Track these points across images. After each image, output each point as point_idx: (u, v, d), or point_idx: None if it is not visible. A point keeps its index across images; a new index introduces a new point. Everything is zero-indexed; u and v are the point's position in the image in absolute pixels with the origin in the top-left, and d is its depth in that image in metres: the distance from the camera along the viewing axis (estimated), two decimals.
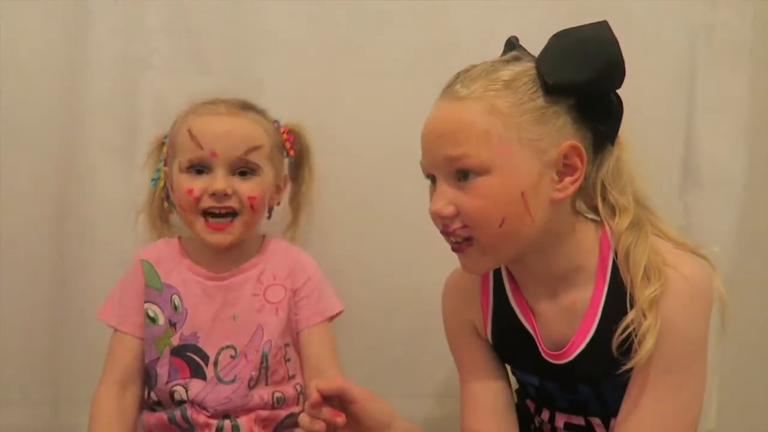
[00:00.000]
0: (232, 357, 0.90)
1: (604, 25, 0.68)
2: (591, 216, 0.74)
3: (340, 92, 1.03)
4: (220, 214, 0.88)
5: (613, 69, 0.67)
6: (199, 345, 0.89)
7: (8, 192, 1.02)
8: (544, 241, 0.70)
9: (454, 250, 0.72)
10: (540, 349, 0.74)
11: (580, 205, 0.73)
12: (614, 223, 0.70)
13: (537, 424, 0.82)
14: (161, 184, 0.95)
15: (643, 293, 0.66)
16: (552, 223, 0.69)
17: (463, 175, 0.67)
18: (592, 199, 0.72)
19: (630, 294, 0.67)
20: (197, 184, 0.88)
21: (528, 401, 0.82)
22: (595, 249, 0.71)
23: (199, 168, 0.89)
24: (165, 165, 0.95)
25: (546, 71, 0.67)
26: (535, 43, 1.02)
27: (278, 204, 0.99)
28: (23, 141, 1.01)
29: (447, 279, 0.84)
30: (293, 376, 0.94)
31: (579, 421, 0.75)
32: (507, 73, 0.68)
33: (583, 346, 0.70)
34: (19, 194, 1.02)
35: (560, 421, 0.77)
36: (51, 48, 1.01)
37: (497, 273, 0.78)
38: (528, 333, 0.75)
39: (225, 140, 0.88)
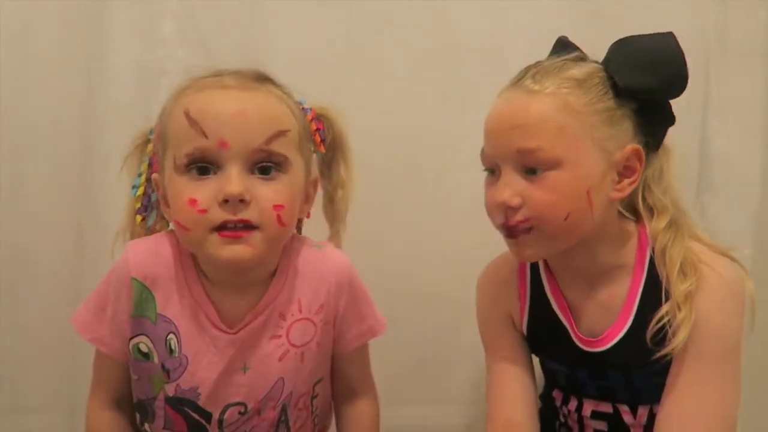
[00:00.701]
0: (241, 414, 0.70)
1: (671, 35, 0.70)
2: (627, 215, 0.75)
3: (354, 95, 0.98)
4: (235, 227, 0.63)
5: (679, 79, 0.69)
6: (200, 404, 0.69)
7: (29, 200, 1.00)
8: (592, 237, 0.71)
9: (507, 236, 0.71)
10: (574, 338, 0.74)
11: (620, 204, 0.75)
12: (653, 222, 0.71)
13: (563, 418, 0.81)
14: (141, 191, 0.74)
15: (678, 288, 0.67)
16: (604, 221, 0.71)
17: (534, 168, 0.67)
18: (631, 199, 0.73)
19: (666, 289, 0.68)
20: (202, 190, 0.63)
21: (555, 392, 0.81)
22: (633, 246, 0.73)
23: (203, 165, 0.64)
24: (151, 167, 0.73)
25: (618, 74, 0.69)
26: (542, 44, 1.01)
27: (308, 216, 0.77)
28: (43, 150, 0.99)
29: (483, 271, 0.83)
30: (316, 409, 0.77)
31: (607, 408, 0.75)
32: (577, 72, 0.69)
33: (619, 337, 0.71)
34: (39, 203, 1.00)
35: (588, 409, 0.76)
36: (68, 57, 0.98)
37: (534, 265, 0.78)
38: (562, 324, 0.75)
39: (236, 124, 0.63)
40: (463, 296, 1.02)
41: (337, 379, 0.79)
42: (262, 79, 0.69)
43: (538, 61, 0.72)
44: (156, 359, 0.69)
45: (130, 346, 0.70)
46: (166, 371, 0.69)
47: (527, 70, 0.71)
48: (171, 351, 0.68)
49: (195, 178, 0.64)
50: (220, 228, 0.63)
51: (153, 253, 0.69)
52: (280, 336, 0.70)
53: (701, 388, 0.67)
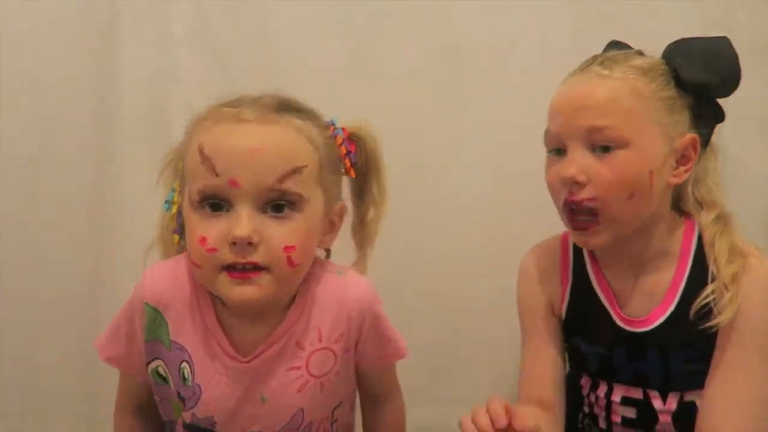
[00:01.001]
0: None
1: (727, 39, 0.75)
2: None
3: (354, 95, 0.98)
4: (244, 267, 0.62)
5: (734, 78, 0.75)
6: (216, 431, 0.68)
7: (43, 206, 1.01)
8: (649, 222, 0.74)
9: (576, 228, 0.73)
10: (616, 319, 0.76)
11: None
12: (702, 214, 0.75)
13: (588, 408, 0.80)
14: (174, 209, 0.72)
15: (725, 270, 0.71)
16: (660, 206, 0.74)
17: (602, 146, 0.70)
18: (676, 195, 0.77)
19: (712, 273, 0.72)
20: (214, 228, 0.61)
21: (583, 380, 0.81)
22: (680, 235, 0.76)
23: (215, 202, 0.62)
24: (180, 189, 0.72)
25: (681, 68, 0.73)
26: (542, 44, 0.99)
27: (328, 246, 0.73)
28: (54, 155, 1.00)
29: (525, 256, 0.85)
30: None
31: (637, 394, 0.76)
32: (642, 62, 0.73)
33: (662, 319, 0.73)
34: (53, 209, 1.00)
35: (618, 394, 0.77)
36: (79, 62, 0.99)
37: (577, 251, 0.80)
38: (604, 307, 0.77)
39: (250, 162, 0.60)
40: (463, 296, 1.02)
41: (363, 387, 0.77)
42: (283, 108, 0.65)
43: (603, 52, 0.77)
44: (172, 385, 0.68)
45: (150, 370, 0.69)
46: (182, 399, 0.68)
47: (594, 58, 0.75)
48: (184, 379, 0.67)
49: (208, 215, 0.62)
50: (230, 268, 0.62)
51: (170, 278, 0.68)
52: (299, 367, 0.67)
53: (744, 375, 0.70)
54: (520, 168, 1.00)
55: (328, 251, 0.74)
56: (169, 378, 0.68)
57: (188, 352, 0.66)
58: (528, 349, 0.82)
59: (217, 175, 0.61)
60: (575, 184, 0.71)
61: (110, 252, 1.00)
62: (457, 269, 1.01)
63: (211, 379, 0.66)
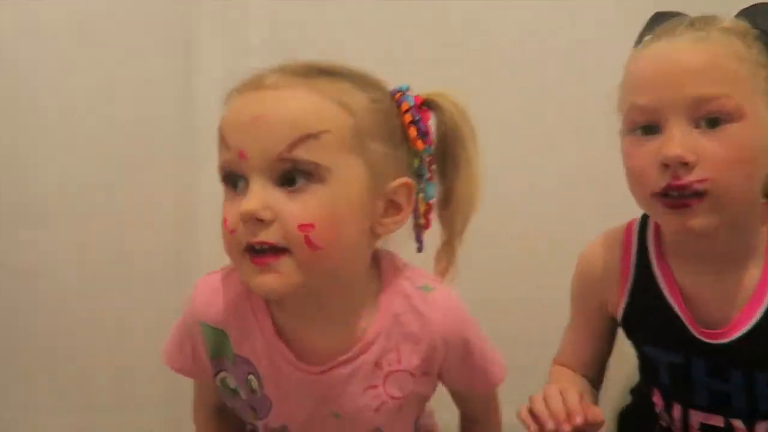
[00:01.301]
0: None
1: None
2: None
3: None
4: (262, 249, 0.54)
5: None
6: None
7: (128, 208, 1.04)
8: (747, 210, 0.63)
9: (676, 206, 0.60)
10: (692, 330, 0.66)
11: None
12: None
13: (664, 422, 0.73)
14: None
15: None
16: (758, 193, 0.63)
17: (712, 119, 0.59)
18: None
19: None
20: (233, 208, 0.55)
21: (656, 396, 0.72)
22: (764, 229, 0.65)
23: (234, 179, 0.56)
24: None
25: None
26: (543, 43, 0.99)
27: (426, 226, 0.65)
28: (141, 165, 1.03)
29: (583, 252, 0.76)
30: None
31: (718, 422, 0.66)
32: (733, 24, 0.62)
33: (748, 327, 0.63)
34: (139, 211, 1.04)
35: (695, 420, 0.68)
36: (160, 70, 1.03)
37: (641, 248, 0.70)
38: (676, 314, 0.66)
39: (254, 131, 0.54)
40: (465, 297, 1.02)
41: (457, 404, 0.72)
42: (313, 72, 0.58)
43: (651, 26, 0.66)
44: (243, 396, 0.65)
45: (218, 381, 0.66)
46: (253, 409, 0.65)
47: (678, 20, 0.63)
48: (253, 390, 0.63)
49: (231, 194, 0.57)
50: (250, 250, 0.55)
51: (222, 291, 0.63)
52: (376, 386, 0.62)
53: None
54: (523, 166, 1.00)
55: (419, 242, 0.65)
56: (239, 389, 0.64)
57: (253, 364, 0.62)
58: (570, 331, 0.78)
59: (229, 148, 0.56)
60: (682, 166, 0.58)
61: (196, 252, 1.01)
62: (476, 270, 1.01)
63: (279, 391, 0.62)
